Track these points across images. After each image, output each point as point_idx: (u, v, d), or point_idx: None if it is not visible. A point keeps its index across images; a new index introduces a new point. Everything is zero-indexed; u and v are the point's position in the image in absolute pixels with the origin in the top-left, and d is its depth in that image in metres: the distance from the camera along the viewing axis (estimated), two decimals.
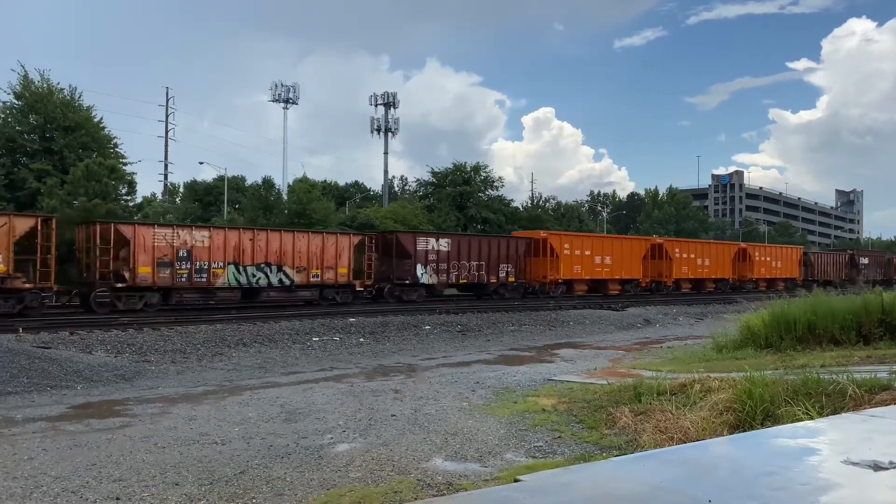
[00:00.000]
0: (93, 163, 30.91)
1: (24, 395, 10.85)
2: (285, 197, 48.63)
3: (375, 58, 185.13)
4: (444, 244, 28.14)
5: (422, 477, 6.46)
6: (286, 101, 63.62)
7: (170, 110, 50.65)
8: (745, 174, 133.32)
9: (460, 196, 49.57)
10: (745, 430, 6.44)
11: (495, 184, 52.01)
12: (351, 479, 6.50)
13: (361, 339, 18.62)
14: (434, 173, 52.51)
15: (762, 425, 6.54)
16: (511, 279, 30.25)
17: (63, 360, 12.76)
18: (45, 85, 33.79)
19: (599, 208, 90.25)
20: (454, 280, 28.56)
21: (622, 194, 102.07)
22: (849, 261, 50.29)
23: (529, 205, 67.03)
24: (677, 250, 38.54)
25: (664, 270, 37.44)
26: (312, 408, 9.81)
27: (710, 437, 6.27)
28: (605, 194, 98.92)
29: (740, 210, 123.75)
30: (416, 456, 7.14)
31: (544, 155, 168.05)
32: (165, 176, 51.93)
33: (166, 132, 50.89)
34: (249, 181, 54.49)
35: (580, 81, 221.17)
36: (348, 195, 67.81)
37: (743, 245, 45.56)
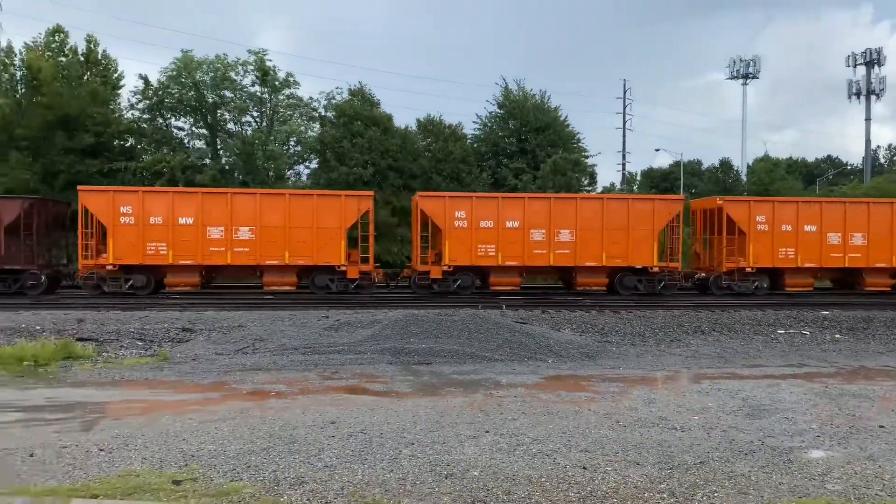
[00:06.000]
0: (559, 158, 34.09)
1: (506, 363, 12.52)
2: (744, 178, 45.94)
3: (853, 11, 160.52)
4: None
5: None
6: (745, 76, 59.95)
7: (626, 101, 52.56)
8: None
9: None
10: None
11: None
12: (828, 492, 5.76)
13: (837, 336, 16.42)
14: None
15: None
16: None
17: (537, 335, 14.31)
18: (520, 93, 38.46)
19: None
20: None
21: None
22: None
23: None
24: None
25: None
26: (779, 405, 9.03)
27: None
28: None
29: None
30: None
31: None
32: (623, 165, 54.16)
33: (623, 123, 53.01)
34: (705, 165, 53.08)
35: None
36: (819, 171, 60.57)
37: None
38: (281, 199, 22.50)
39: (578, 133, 39.07)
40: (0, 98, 32.12)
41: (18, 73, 32.68)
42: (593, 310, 19.15)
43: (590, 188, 37.41)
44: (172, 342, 14.32)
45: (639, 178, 59.70)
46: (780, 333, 16.44)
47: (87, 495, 5.50)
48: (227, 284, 25.79)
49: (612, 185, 52.36)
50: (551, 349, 13.59)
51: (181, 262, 21.86)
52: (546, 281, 27.06)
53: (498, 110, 38.83)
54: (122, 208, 21.63)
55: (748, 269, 23.54)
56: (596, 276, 23.38)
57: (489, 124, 39.03)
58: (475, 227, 22.65)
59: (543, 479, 6.00)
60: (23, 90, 32.41)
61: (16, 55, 33.52)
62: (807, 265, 23.77)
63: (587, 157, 38.24)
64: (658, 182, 51.28)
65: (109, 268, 21.72)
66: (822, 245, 23.67)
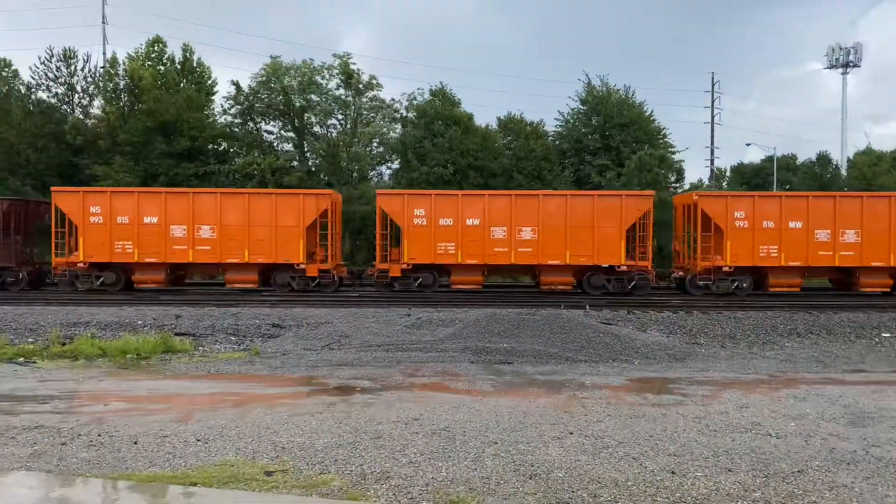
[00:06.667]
0: (645, 154, 33.23)
1: (590, 364, 12.33)
2: (844, 173, 43.47)
3: None
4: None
5: None
6: (845, 65, 56.64)
7: (715, 95, 50.72)
8: None
9: None
10: None
11: None
12: None
13: None
14: None
15: None
16: None
17: (622, 336, 14.03)
18: (604, 88, 37.73)
19: None
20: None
21: None
22: None
23: None
24: None
25: None
26: (885, 413, 8.50)
27: None
28: None
29: None
30: None
31: None
32: (711, 161, 52.26)
33: (712, 118, 51.16)
34: (801, 159, 50.54)
35: None
36: None
37: None
38: (241, 198, 22.96)
39: (665, 128, 37.96)
40: (106, 106, 34.23)
41: (122, 83, 34.69)
42: (681, 310, 18.59)
43: (677, 185, 36.34)
44: (263, 337, 14.87)
45: (728, 173, 57.50)
46: (885, 337, 15.48)
47: (185, 483, 5.78)
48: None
49: (700, 181, 50.71)
50: (637, 350, 13.29)
51: (146, 260, 22.59)
52: (517, 280, 26.75)
53: (581, 106, 38.21)
54: (91, 208, 22.53)
55: (725, 269, 22.19)
56: (561, 274, 22.59)
57: (571, 121, 38.46)
58: (435, 224, 22.31)
59: (630, 483, 5.87)
60: (125, 98, 34.39)
61: (119, 65, 35.62)
62: (792, 264, 22.10)
63: (674, 153, 37.11)
64: (749, 178, 49.14)
65: (80, 265, 22.64)
66: (809, 242, 21.96)
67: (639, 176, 32.09)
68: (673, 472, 6.17)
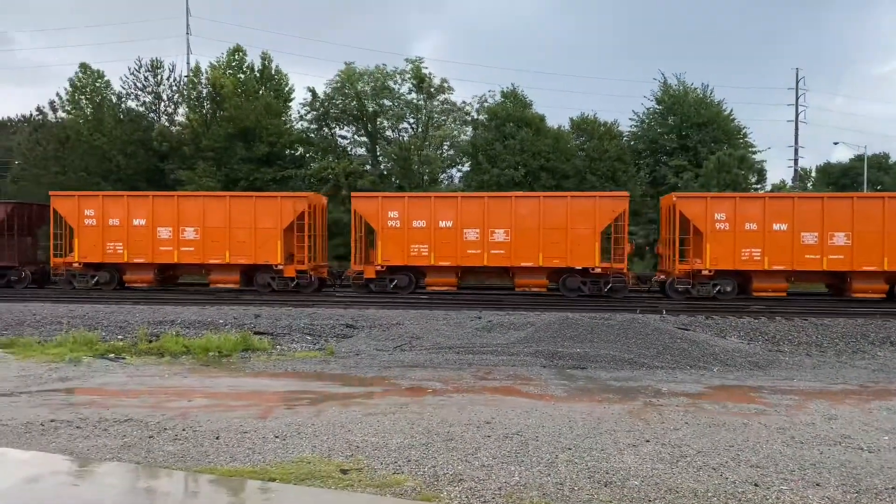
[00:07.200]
0: (723, 154, 32.17)
1: (667, 371, 12.00)
2: None
3: None
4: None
5: None
6: None
7: (800, 92, 48.62)
8: None
9: None
10: None
11: None
12: None
13: None
14: None
15: None
16: None
17: (700, 342, 13.59)
18: (680, 87, 36.76)
19: None
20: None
21: None
22: None
23: None
24: None
25: None
26: None
27: None
28: None
29: None
30: None
31: None
32: (795, 161, 50.08)
33: (796, 115, 49.03)
34: (894, 158, 47.87)
35: None
36: None
37: None
38: (222, 201, 23.91)
39: (745, 127, 36.68)
40: (190, 113, 35.71)
41: (204, 91, 36.13)
42: (763, 316, 17.89)
43: (758, 186, 35.01)
44: (337, 337, 15.16)
45: (813, 174, 55.02)
46: None
47: (264, 478, 5.94)
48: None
49: (783, 182, 48.73)
50: (716, 357, 12.85)
51: (135, 261, 23.83)
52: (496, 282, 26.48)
53: (656, 106, 37.37)
54: (85, 211, 23.99)
55: (705, 272, 21.46)
56: (535, 276, 22.49)
57: (647, 121, 37.65)
58: (408, 227, 22.59)
59: (710, 494, 5.68)
60: (208, 106, 35.79)
61: (202, 74, 37.11)
62: (776, 268, 21.19)
63: (755, 153, 35.79)
64: (837, 178, 46.94)
65: (76, 265, 24.02)
66: (795, 245, 21.04)
67: (717, 177, 31.11)
68: (756, 485, 5.93)
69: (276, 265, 23.45)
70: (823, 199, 21.71)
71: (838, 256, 20.97)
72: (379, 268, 22.87)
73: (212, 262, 23.76)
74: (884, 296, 21.48)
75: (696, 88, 36.66)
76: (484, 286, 26.06)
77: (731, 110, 36.57)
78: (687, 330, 15.12)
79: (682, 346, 13.24)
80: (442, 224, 22.50)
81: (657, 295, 23.30)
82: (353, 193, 25.06)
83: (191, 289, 25.79)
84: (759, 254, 21.19)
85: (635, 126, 37.88)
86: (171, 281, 25.96)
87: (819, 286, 24.27)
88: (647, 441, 7.25)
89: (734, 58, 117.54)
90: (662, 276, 23.12)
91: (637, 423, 8.07)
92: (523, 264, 22.28)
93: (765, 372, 12.13)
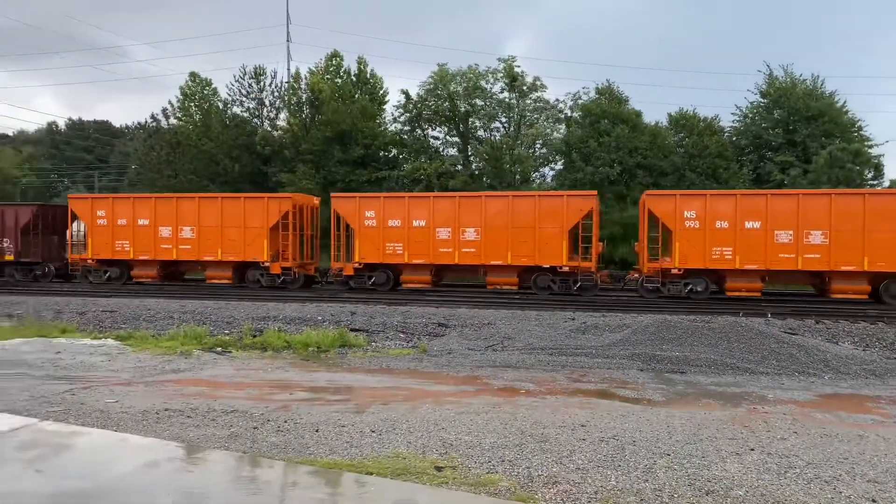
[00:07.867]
0: (836, 149, 30.29)
1: (772, 377, 11.42)
2: None
3: None
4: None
5: None
6: None
7: None
8: None
9: None
10: None
11: None
12: None
13: None
14: None
15: None
16: None
17: (809, 348, 12.86)
18: (788, 79, 34.90)
19: None
20: None
21: None
22: None
23: None
24: None
25: None
26: None
27: None
28: None
29: None
30: None
31: None
32: None
33: None
34: None
35: None
36: None
37: None
38: (215, 202, 25.40)
39: (859, 120, 34.38)
40: (290, 118, 37.09)
41: (304, 96, 37.44)
42: (880, 321, 16.74)
43: (874, 182, 32.73)
44: (430, 336, 15.34)
45: None
46: None
47: (361, 471, 6.09)
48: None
49: None
50: (827, 364, 12.13)
51: (140, 258, 25.88)
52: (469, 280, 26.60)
53: (761, 99, 35.61)
54: (98, 212, 26.04)
55: (674, 271, 21.15)
56: (505, 275, 23.02)
57: (750, 115, 35.95)
58: (384, 226, 23.51)
59: None
60: (307, 110, 37.07)
61: (302, 80, 38.47)
62: (749, 267, 20.61)
63: (871, 147, 33.45)
64: None
65: (90, 261, 26.29)
66: (768, 244, 20.41)
67: (828, 173, 29.33)
68: (874, 501, 5.55)
69: (263, 262, 24.88)
70: (799, 197, 20.98)
71: (815, 256, 20.28)
72: (357, 265, 23.92)
73: (206, 258, 25.39)
74: (866, 296, 20.56)
75: (804, 80, 34.72)
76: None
77: (845, 102, 34.42)
78: (794, 334, 14.36)
79: (789, 351, 12.58)
80: (416, 223, 23.33)
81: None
82: (332, 194, 25.95)
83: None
84: (730, 252, 20.77)
85: (737, 121, 36.30)
86: (175, 277, 27.77)
87: (806, 287, 23.33)
88: (752, 450, 6.93)
89: (848, 47, 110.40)
90: (636, 275, 22.97)
91: (740, 430, 7.73)
92: (493, 262, 22.87)
93: (882, 381, 11.34)
